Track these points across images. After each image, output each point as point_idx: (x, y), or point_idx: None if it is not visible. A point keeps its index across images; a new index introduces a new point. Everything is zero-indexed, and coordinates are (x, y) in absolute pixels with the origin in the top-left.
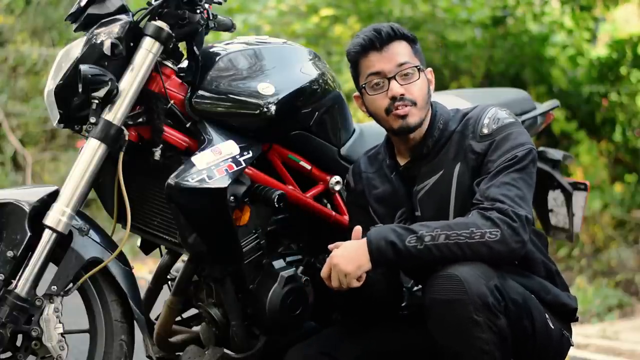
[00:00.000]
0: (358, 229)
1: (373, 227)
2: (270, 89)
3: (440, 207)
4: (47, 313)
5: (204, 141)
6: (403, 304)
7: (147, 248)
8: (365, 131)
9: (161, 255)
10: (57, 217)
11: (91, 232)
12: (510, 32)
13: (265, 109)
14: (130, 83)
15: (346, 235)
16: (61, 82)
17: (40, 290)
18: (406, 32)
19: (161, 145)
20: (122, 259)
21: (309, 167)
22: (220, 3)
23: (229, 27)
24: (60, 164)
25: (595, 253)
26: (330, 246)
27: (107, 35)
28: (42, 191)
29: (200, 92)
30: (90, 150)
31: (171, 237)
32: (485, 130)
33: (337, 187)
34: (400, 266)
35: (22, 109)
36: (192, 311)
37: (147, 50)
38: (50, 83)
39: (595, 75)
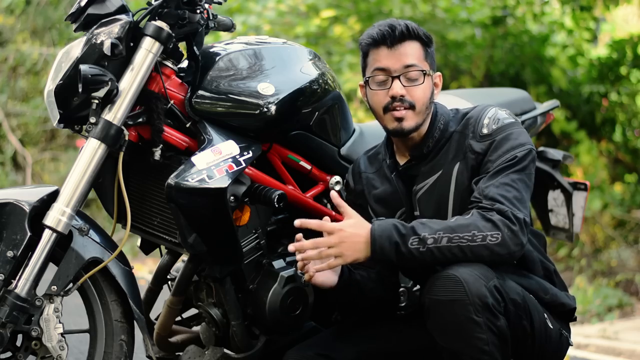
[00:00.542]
0: None
1: (376, 220)
2: (270, 89)
3: (439, 207)
4: (47, 313)
5: (204, 141)
6: (402, 304)
7: (147, 248)
8: (365, 131)
9: (161, 255)
10: (57, 217)
11: (91, 232)
12: (510, 32)
13: (265, 109)
14: (130, 83)
15: None
16: (61, 82)
17: (40, 290)
18: (422, 33)
19: (161, 145)
20: (122, 259)
21: (309, 167)
22: (220, 3)
23: (229, 27)
24: (60, 164)
25: (595, 253)
26: (325, 223)
27: (107, 35)
28: (42, 191)
29: (200, 92)
30: (90, 150)
31: (171, 237)
32: (485, 130)
33: (337, 187)
34: (400, 266)
35: (22, 109)
36: (192, 311)
37: (147, 50)
38: (50, 83)
39: (595, 75)
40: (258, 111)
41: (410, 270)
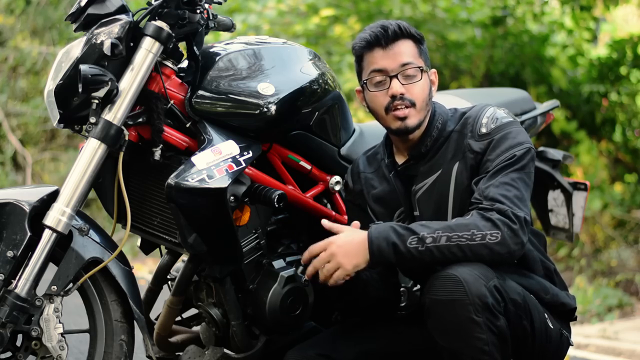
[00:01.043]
0: (356, 224)
1: (373, 224)
2: (270, 89)
3: (438, 207)
4: (47, 313)
5: (204, 141)
6: (402, 304)
7: (147, 248)
8: (365, 131)
9: (161, 255)
10: (57, 217)
11: (91, 232)
12: (510, 32)
13: (265, 109)
14: (130, 83)
15: None
16: (61, 82)
17: (40, 290)
18: (413, 31)
19: (161, 145)
20: (122, 259)
21: (309, 167)
22: (220, 3)
23: (229, 27)
24: (60, 164)
25: (595, 253)
26: (325, 224)
27: (107, 35)
28: (42, 191)
29: (200, 92)
30: (90, 150)
31: (171, 237)
32: (484, 130)
33: (337, 187)
34: (400, 266)
35: (22, 109)
36: (192, 311)
37: (147, 50)
38: (50, 83)
39: (595, 75)
40: (258, 111)
41: (410, 270)
